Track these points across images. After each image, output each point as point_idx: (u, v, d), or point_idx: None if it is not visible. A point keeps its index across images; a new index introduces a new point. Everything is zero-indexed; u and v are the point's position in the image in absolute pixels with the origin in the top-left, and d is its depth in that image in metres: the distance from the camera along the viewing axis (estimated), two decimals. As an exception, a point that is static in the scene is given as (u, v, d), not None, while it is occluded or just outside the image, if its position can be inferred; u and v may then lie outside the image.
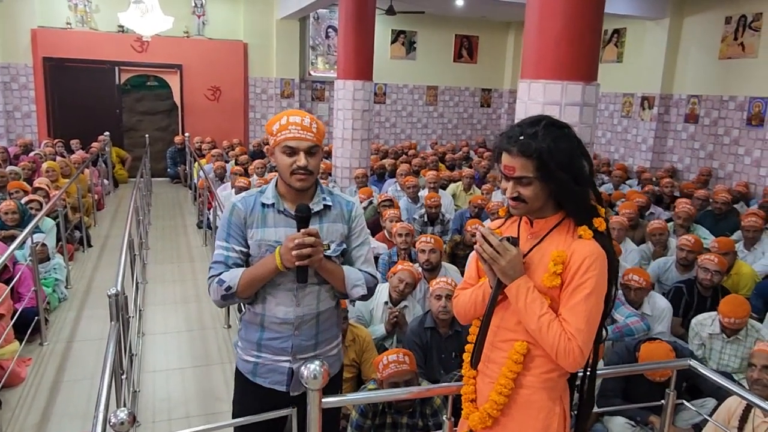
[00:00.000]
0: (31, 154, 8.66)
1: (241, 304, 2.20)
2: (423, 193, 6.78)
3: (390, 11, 9.86)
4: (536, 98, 3.82)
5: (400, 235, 4.63)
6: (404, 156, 9.89)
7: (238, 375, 2.13)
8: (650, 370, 2.80)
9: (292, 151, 1.92)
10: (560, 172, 1.59)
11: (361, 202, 6.61)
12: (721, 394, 2.94)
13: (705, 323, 3.71)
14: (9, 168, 7.12)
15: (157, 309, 4.84)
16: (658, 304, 3.93)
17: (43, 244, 4.84)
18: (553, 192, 1.65)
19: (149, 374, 3.79)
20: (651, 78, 9.56)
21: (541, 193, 1.64)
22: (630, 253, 5.01)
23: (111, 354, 2.20)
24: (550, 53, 3.76)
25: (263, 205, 2.00)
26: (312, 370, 1.84)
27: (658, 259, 4.91)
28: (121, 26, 9.90)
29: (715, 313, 3.64)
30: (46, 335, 4.23)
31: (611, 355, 3.34)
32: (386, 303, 3.76)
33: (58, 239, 5.48)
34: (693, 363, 2.34)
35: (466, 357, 1.86)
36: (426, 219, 5.97)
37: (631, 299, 3.83)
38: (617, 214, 6.10)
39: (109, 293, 2.53)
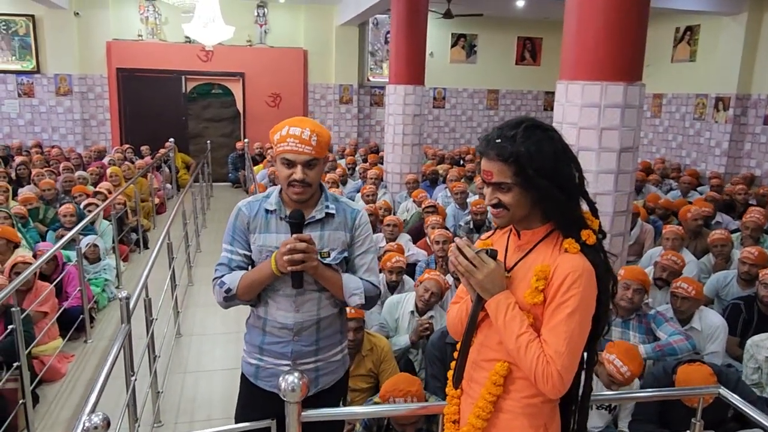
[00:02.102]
0: (104, 159, 9.17)
1: None
2: (473, 199, 6.61)
3: (447, 14, 9.73)
4: (574, 100, 3.62)
5: (437, 242, 4.52)
6: (461, 162, 9.72)
7: (243, 377, 2.18)
8: (676, 396, 2.55)
9: (290, 164, 1.92)
10: (540, 179, 1.46)
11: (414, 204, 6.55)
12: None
13: (762, 345, 3.36)
14: (78, 173, 7.56)
15: (198, 311, 4.96)
16: (711, 321, 3.61)
17: (95, 245, 5.07)
18: (536, 200, 1.52)
19: (179, 375, 3.87)
20: (727, 77, 8.92)
21: (522, 201, 1.51)
22: (687, 266, 4.65)
23: (112, 357, 2.23)
24: (589, 52, 3.56)
25: (267, 211, 2.02)
26: (290, 382, 1.80)
27: (718, 272, 4.53)
28: (187, 37, 10.30)
29: (773, 334, 3.30)
30: (91, 333, 4.41)
31: (647, 375, 3.09)
32: (412, 312, 3.66)
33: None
34: (723, 391, 2.11)
35: (450, 375, 1.75)
36: (471, 226, 5.80)
37: (678, 308, 3.55)
38: (680, 223, 5.71)
39: (119, 296, 2.58)
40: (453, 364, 1.74)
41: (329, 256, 1.99)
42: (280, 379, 1.81)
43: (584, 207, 1.57)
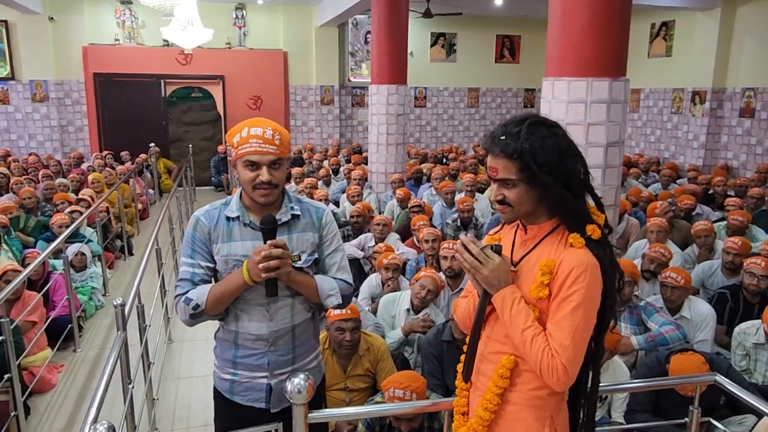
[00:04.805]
0: (82, 166, 9.03)
1: None
2: (459, 197, 6.63)
3: (427, 14, 9.77)
4: (560, 97, 3.67)
5: (427, 240, 4.53)
6: (444, 160, 9.76)
7: (216, 393, 2.07)
8: (672, 385, 2.59)
9: (254, 165, 1.83)
10: (544, 175, 1.48)
11: (398, 204, 6.54)
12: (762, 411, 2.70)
13: (749, 332, 3.44)
14: (58, 180, 7.44)
15: (188, 316, 4.91)
16: (700, 310, 3.69)
17: (82, 253, 4.99)
18: (541, 196, 1.54)
19: (173, 381, 3.83)
20: (702, 72, 9.10)
21: (527, 197, 1.53)
22: (672, 257, 4.73)
23: (110, 365, 2.21)
24: (574, 49, 3.61)
25: (228, 218, 1.92)
26: (296, 384, 1.79)
27: (703, 262, 4.62)
28: (165, 40, 10.18)
29: (759, 321, 3.38)
30: (80, 342, 4.35)
31: (641, 366, 3.14)
32: (408, 310, 3.67)
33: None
34: (719, 378, 2.16)
35: (460, 368, 1.77)
36: (459, 224, 5.83)
37: (668, 298, 3.62)
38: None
39: (114, 303, 2.55)
40: (462, 357, 1.76)
41: (300, 260, 1.91)
42: (287, 382, 1.80)
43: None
